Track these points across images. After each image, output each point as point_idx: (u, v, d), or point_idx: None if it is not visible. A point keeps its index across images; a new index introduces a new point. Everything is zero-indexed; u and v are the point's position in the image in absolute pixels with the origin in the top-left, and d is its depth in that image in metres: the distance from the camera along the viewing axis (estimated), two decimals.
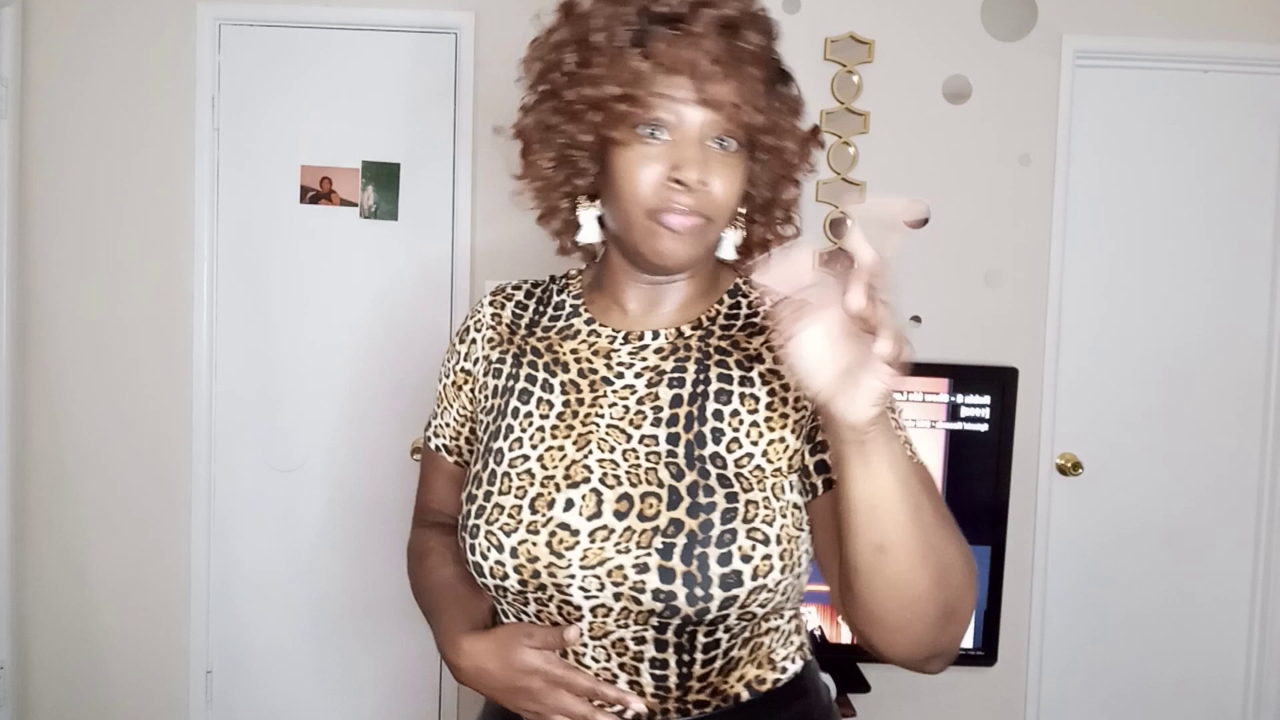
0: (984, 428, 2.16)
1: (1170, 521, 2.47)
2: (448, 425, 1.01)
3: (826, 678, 2.05)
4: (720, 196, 0.83)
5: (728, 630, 0.82)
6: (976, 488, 2.18)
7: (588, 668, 0.84)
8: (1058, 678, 2.48)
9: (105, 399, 2.35)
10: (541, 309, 0.97)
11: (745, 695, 0.86)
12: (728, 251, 0.92)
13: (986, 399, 2.16)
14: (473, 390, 0.98)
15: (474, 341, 0.98)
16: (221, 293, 2.37)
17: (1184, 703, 2.51)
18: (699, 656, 0.83)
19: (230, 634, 2.42)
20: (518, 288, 1.01)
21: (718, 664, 0.84)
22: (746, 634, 0.85)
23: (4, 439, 2.29)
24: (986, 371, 2.20)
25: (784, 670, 0.89)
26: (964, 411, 2.16)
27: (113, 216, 2.33)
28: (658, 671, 0.83)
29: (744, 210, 0.92)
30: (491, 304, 1.00)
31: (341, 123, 2.34)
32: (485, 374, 0.96)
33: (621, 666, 0.84)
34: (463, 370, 0.99)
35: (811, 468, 0.84)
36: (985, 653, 2.20)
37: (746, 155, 0.87)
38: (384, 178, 2.36)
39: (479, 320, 0.99)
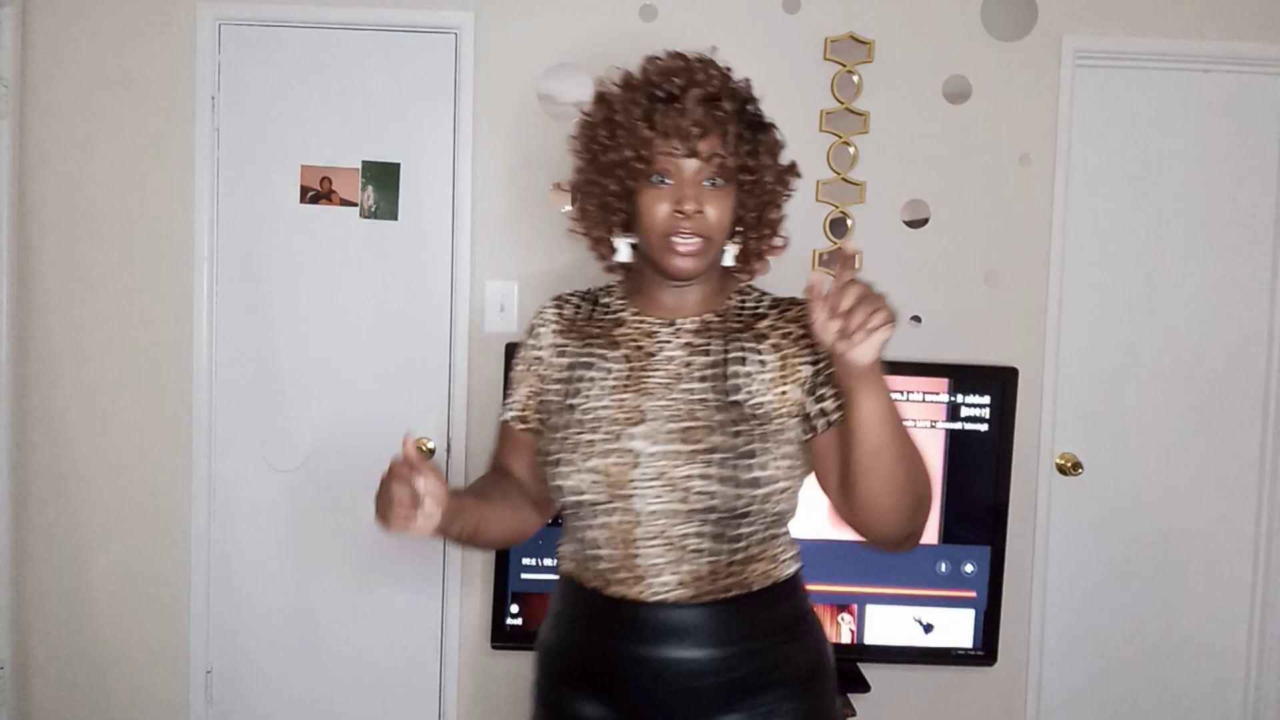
0: (984, 428, 2.16)
1: (1170, 521, 2.47)
2: (518, 400, 1.28)
3: None
4: (714, 220, 1.14)
5: (751, 527, 1.12)
6: (976, 488, 2.18)
7: (647, 557, 1.12)
8: (1058, 678, 2.48)
9: (105, 399, 2.35)
10: (594, 308, 1.28)
11: (756, 585, 1.15)
12: (729, 260, 1.22)
13: (986, 399, 2.16)
14: (542, 371, 1.25)
15: (541, 334, 1.27)
16: (221, 293, 2.37)
17: (1184, 703, 2.51)
18: (727, 548, 1.12)
19: (230, 634, 2.41)
20: (573, 294, 1.30)
21: (740, 557, 1.13)
22: (762, 534, 1.14)
23: (4, 439, 2.29)
24: (986, 371, 2.20)
25: (785, 568, 1.19)
26: (964, 411, 2.16)
27: (113, 216, 2.33)
28: (699, 561, 1.11)
29: (740, 229, 1.21)
30: (556, 306, 1.29)
31: (341, 123, 2.34)
32: (555, 356, 1.24)
33: (672, 559, 1.11)
34: (535, 356, 1.26)
35: (813, 413, 1.15)
36: (985, 653, 2.20)
37: (734, 189, 1.17)
38: (384, 178, 2.36)
39: (544, 318, 1.28)
